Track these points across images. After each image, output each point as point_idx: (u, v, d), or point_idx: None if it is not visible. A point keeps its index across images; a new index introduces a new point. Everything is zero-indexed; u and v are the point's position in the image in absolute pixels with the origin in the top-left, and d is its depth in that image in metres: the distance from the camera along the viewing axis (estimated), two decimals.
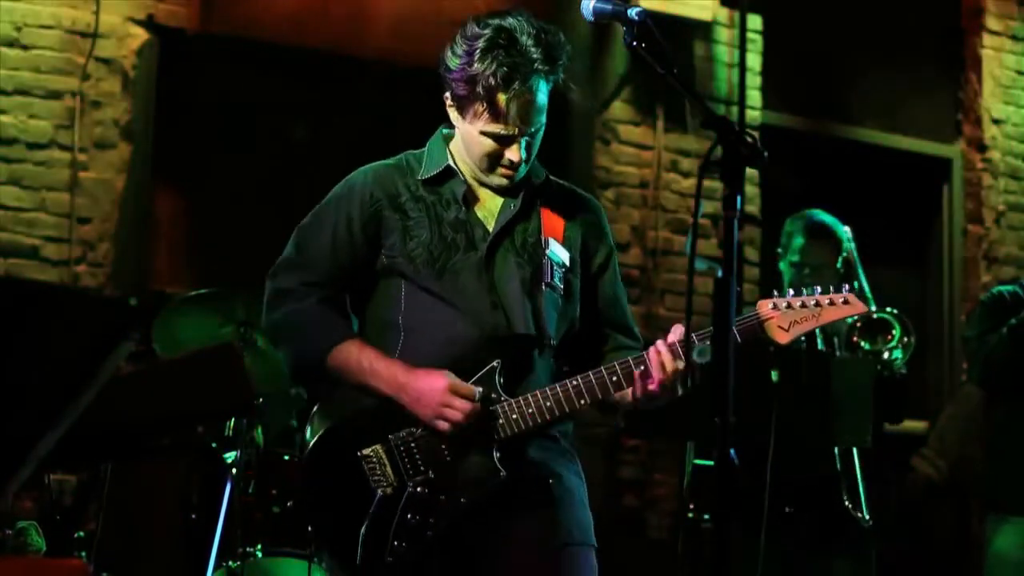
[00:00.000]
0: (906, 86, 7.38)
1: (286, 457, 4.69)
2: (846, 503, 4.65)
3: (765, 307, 2.93)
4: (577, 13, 2.90)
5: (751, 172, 6.37)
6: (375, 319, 3.01)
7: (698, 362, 2.87)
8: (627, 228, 6.46)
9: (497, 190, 3.03)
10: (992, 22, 7.43)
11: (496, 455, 2.87)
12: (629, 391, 2.90)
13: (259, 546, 4.45)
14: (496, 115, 2.88)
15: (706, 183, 2.44)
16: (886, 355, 4.96)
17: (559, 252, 3.01)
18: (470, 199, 3.02)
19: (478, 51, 2.86)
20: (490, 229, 2.99)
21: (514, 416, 2.87)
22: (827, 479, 4.71)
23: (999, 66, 7.43)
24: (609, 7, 2.80)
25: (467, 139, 2.98)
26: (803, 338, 4.90)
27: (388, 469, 2.88)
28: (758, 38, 6.75)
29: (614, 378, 2.88)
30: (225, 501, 4.34)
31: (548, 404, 2.88)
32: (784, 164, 5.23)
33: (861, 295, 2.95)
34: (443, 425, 2.85)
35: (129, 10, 5.63)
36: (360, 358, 2.90)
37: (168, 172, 5.92)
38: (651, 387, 2.85)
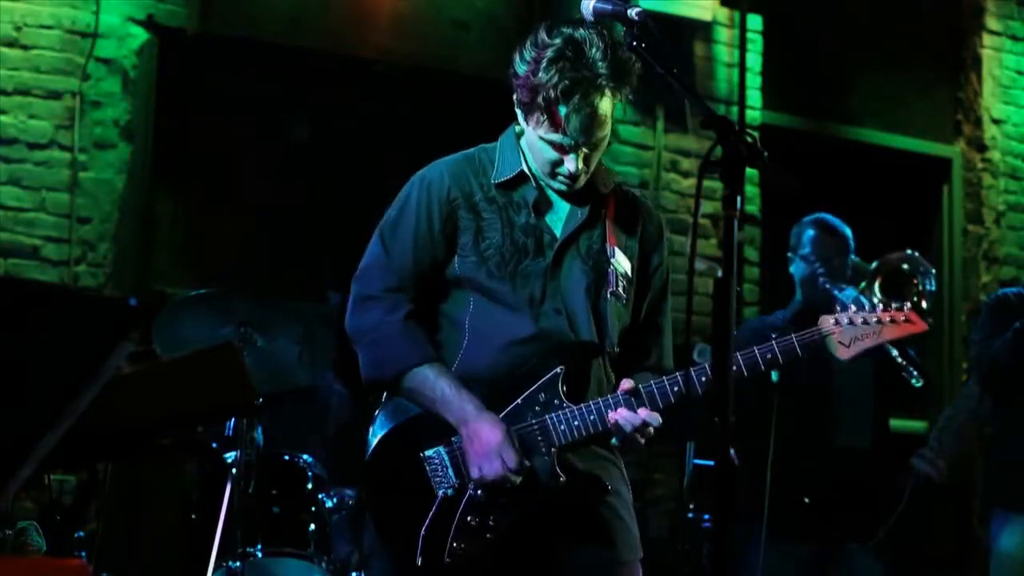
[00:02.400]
0: (906, 86, 7.38)
1: (286, 457, 4.69)
2: None
3: (828, 322, 2.96)
4: (577, 13, 2.90)
5: (751, 172, 6.37)
6: (445, 318, 3.01)
7: (699, 362, 2.88)
8: None
9: (563, 196, 3.03)
10: (992, 22, 7.44)
11: (555, 460, 2.88)
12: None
13: (259, 546, 4.45)
14: (555, 125, 2.88)
15: (706, 183, 2.44)
16: (924, 302, 4.93)
17: (622, 262, 3.03)
18: (541, 205, 3.02)
19: (544, 60, 2.85)
20: (557, 234, 3.00)
21: (576, 423, 2.88)
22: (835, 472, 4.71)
23: (999, 66, 7.44)
24: (609, 7, 2.80)
25: (531, 142, 2.98)
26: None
27: (450, 471, 2.90)
28: (758, 38, 6.75)
29: (675, 388, 2.89)
30: (225, 501, 4.34)
31: (611, 412, 2.88)
32: (784, 164, 5.24)
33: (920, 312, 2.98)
34: (481, 478, 2.86)
35: (129, 10, 5.62)
36: (435, 385, 2.91)
37: (168, 172, 5.92)
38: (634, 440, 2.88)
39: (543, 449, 2.89)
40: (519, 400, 2.91)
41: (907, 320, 2.97)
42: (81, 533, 4.37)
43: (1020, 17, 7.54)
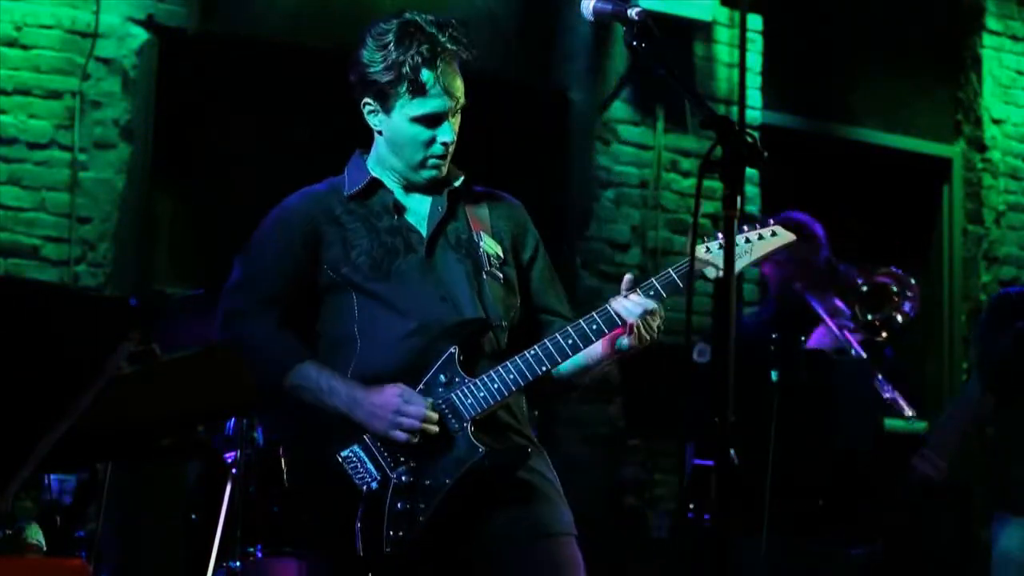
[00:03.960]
0: (906, 86, 7.38)
1: None
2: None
3: (699, 251, 2.99)
4: (577, 13, 2.91)
5: (751, 172, 6.37)
6: (329, 333, 3.07)
7: (699, 361, 2.89)
8: (627, 228, 6.46)
9: (425, 189, 3.11)
10: (992, 22, 7.43)
11: (471, 432, 2.94)
12: (599, 349, 2.99)
13: (259, 546, 4.45)
14: (423, 92, 2.98)
15: (706, 183, 2.44)
16: (900, 318, 4.97)
17: (492, 245, 3.11)
18: (399, 207, 3.10)
19: (392, 42, 2.99)
20: (423, 232, 3.08)
21: (481, 394, 2.95)
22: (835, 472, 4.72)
23: (999, 66, 7.43)
24: (609, 7, 2.81)
25: (395, 135, 3.06)
26: (803, 337, 4.93)
27: (370, 465, 2.95)
28: (758, 38, 6.75)
29: (569, 341, 2.96)
30: (225, 501, 4.34)
31: (511, 376, 2.96)
32: (784, 164, 5.23)
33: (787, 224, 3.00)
34: (400, 435, 2.92)
35: (129, 10, 5.62)
36: (318, 378, 2.97)
37: (168, 172, 5.91)
38: (626, 336, 2.94)
39: (456, 425, 2.94)
40: (421, 386, 2.96)
41: (774, 234, 3.00)
42: (81, 533, 4.36)
43: (1020, 17, 7.53)
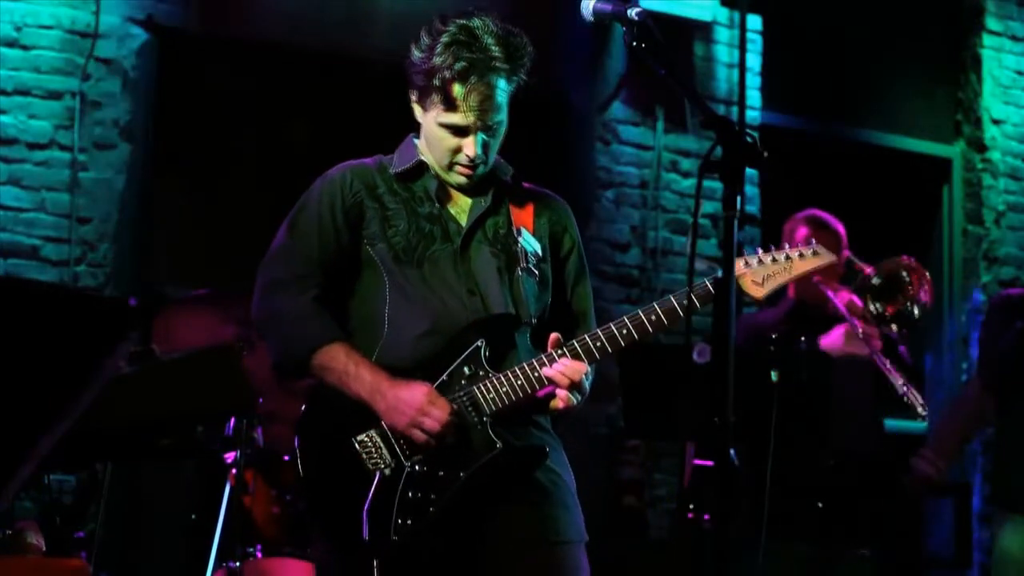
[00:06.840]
0: (906, 86, 7.38)
1: (286, 457, 4.69)
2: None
3: (738, 265, 2.96)
4: (577, 13, 2.91)
5: (751, 172, 6.37)
6: (359, 312, 3.06)
7: (699, 361, 2.90)
8: (627, 228, 6.46)
9: (461, 189, 3.10)
10: (992, 22, 7.43)
11: (490, 428, 2.93)
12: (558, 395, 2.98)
13: (259, 546, 4.45)
14: (451, 105, 2.97)
15: (706, 183, 2.45)
16: (916, 309, 4.94)
17: (531, 241, 3.10)
18: (442, 196, 3.10)
19: (440, 45, 2.96)
20: (463, 224, 3.07)
21: (504, 390, 2.94)
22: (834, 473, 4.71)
23: (999, 66, 7.43)
24: (609, 7, 2.81)
25: (428, 134, 3.07)
26: (803, 338, 4.93)
27: (384, 451, 2.94)
28: (758, 38, 6.75)
29: (598, 343, 2.96)
30: (225, 501, 4.34)
31: (536, 374, 2.94)
32: (784, 164, 5.24)
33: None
34: (418, 435, 2.91)
35: (129, 10, 5.62)
36: (347, 361, 2.95)
37: (168, 172, 5.91)
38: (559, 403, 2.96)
39: (475, 419, 2.94)
40: (444, 376, 2.96)
41: (815, 253, 3.00)
42: (81, 533, 4.37)
43: (1020, 17, 7.54)
